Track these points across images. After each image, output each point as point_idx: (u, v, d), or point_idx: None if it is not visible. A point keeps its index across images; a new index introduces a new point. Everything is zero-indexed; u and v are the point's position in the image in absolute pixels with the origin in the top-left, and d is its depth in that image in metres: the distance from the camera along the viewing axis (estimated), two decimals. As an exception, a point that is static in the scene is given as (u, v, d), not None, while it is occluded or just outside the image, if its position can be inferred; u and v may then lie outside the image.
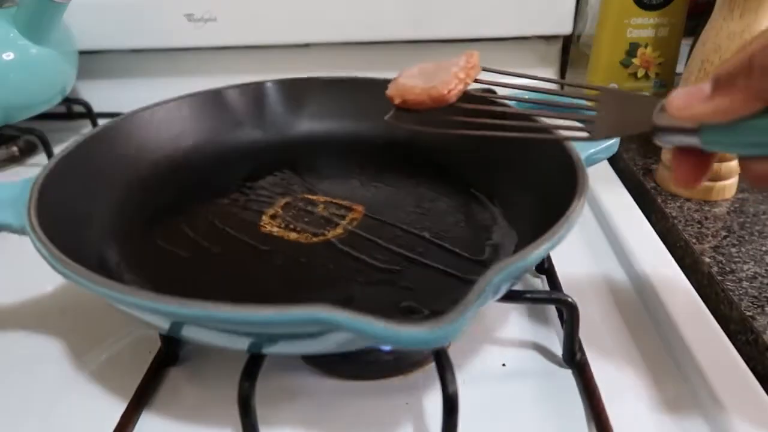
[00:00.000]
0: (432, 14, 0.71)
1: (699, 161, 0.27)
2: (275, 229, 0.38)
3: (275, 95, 0.50)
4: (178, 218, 0.39)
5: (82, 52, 0.67)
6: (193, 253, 0.36)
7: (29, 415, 0.31)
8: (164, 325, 0.26)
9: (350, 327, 0.20)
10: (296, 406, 0.31)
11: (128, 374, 0.33)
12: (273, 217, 0.40)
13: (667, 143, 0.27)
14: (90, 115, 0.69)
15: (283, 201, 0.42)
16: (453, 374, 0.26)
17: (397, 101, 0.32)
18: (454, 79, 0.31)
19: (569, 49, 0.76)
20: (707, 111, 0.23)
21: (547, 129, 0.29)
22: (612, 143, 0.39)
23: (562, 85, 0.34)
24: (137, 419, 0.30)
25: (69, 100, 0.69)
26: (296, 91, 0.50)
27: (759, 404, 0.30)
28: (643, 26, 0.63)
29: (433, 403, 0.30)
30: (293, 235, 0.38)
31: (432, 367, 0.28)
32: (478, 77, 0.33)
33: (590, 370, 0.32)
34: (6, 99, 0.57)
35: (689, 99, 0.24)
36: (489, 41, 0.74)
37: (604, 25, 0.64)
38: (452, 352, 0.28)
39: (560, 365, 0.33)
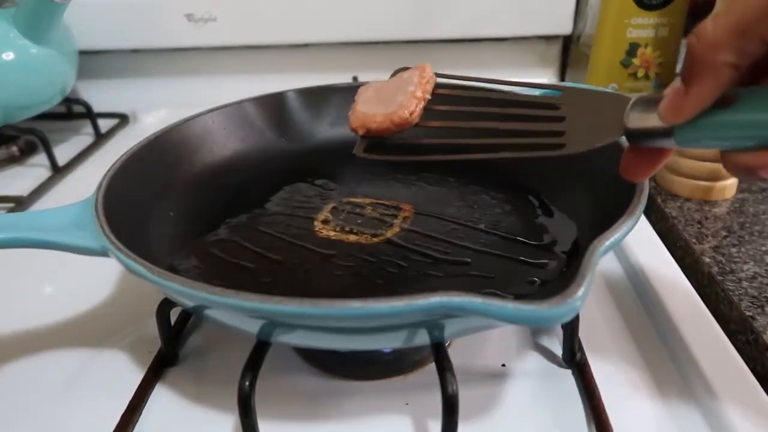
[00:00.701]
0: (432, 14, 0.71)
1: (652, 158, 0.27)
2: (332, 233, 0.38)
3: (296, 104, 0.50)
4: (228, 231, 0.39)
5: (82, 52, 0.67)
6: (258, 264, 0.36)
7: (30, 414, 0.31)
8: (291, 325, 0.26)
9: (481, 310, 0.21)
10: (296, 406, 0.31)
11: (128, 374, 0.33)
12: (325, 222, 0.39)
13: (639, 145, 0.26)
14: (90, 115, 0.69)
15: (329, 206, 0.42)
16: (453, 374, 0.26)
17: (361, 132, 0.32)
18: (413, 100, 0.31)
19: (569, 49, 0.76)
20: (692, 105, 0.23)
21: (519, 146, 0.29)
22: None
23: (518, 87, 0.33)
24: (137, 419, 0.30)
25: (69, 100, 0.69)
26: (315, 99, 0.51)
27: (759, 404, 0.30)
28: (643, 26, 0.63)
29: (433, 404, 0.30)
30: (352, 237, 0.38)
31: (432, 367, 0.28)
32: (435, 89, 0.32)
33: (590, 370, 0.32)
34: (6, 99, 0.57)
35: (676, 101, 0.23)
36: (489, 41, 0.74)
37: (604, 25, 0.64)
38: (452, 353, 0.28)
39: (560, 365, 0.33)
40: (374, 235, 0.38)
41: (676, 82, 0.24)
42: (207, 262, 0.36)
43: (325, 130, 0.50)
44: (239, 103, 0.48)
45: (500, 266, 0.35)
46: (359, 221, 0.40)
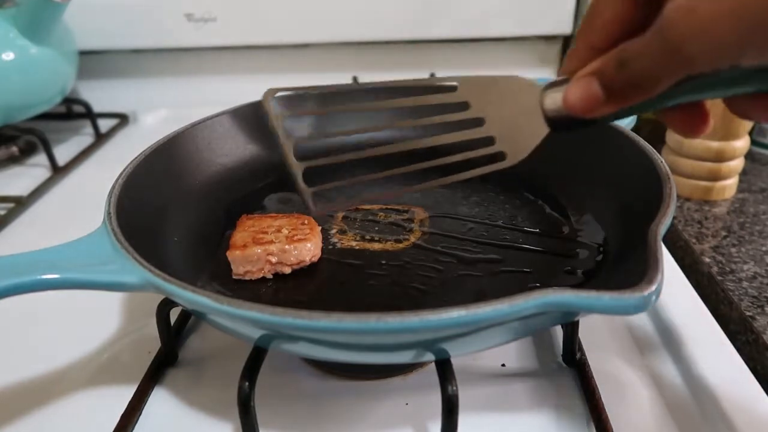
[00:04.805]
0: (432, 14, 0.71)
1: (693, 110, 0.24)
2: (354, 243, 0.37)
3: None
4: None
5: (82, 52, 0.67)
6: (287, 282, 0.34)
7: (29, 414, 0.31)
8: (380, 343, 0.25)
9: (582, 305, 0.22)
10: (296, 406, 0.31)
11: (128, 374, 0.33)
12: (342, 232, 0.39)
13: (564, 131, 0.26)
14: (90, 115, 0.69)
15: (339, 215, 0.41)
16: (453, 375, 0.26)
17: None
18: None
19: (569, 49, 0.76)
20: (612, 110, 0.23)
21: (462, 166, 0.28)
22: (630, 120, 0.40)
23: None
24: (137, 420, 0.30)
25: (69, 100, 0.69)
26: (292, 106, 0.47)
27: (759, 404, 0.30)
28: (643, 26, 0.63)
29: (433, 404, 0.30)
30: (377, 246, 0.37)
31: (432, 367, 0.28)
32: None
33: (590, 369, 0.32)
34: (6, 99, 0.57)
35: (589, 102, 0.23)
36: (489, 41, 0.74)
37: (604, 25, 0.64)
38: (452, 353, 0.28)
39: (560, 365, 0.33)
40: (398, 241, 0.38)
41: (587, 79, 0.23)
42: (231, 287, 0.34)
43: (308, 137, 0.48)
44: (219, 116, 0.46)
45: (533, 260, 0.35)
46: (377, 228, 0.39)
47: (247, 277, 0.34)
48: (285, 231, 0.35)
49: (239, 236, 0.35)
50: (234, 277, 0.34)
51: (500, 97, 0.27)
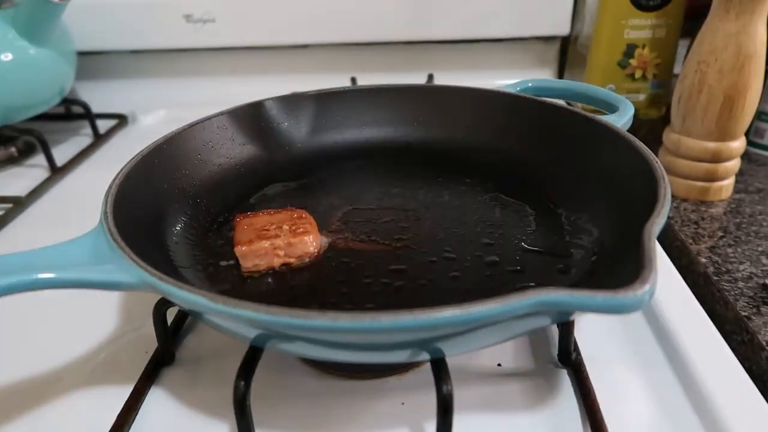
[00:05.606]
0: (432, 14, 0.71)
1: None
2: (351, 243, 0.38)
3: (274, 113, 0.48)
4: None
5: (81, 53, 0.67)
6: (286, 281, 0.35)
7: (26, 414, 0.31)
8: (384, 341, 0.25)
9: (575, 304, 0.22)
10: (292, 405, 0.31)
11: (125, 374, 0.33)
12: (339, 231, 0.39)
13: None
14: (89, 116, 0.69)
15: (336, 215, 0.41)
16: (448, 374, 0.26)
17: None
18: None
19: (567, 50, 0.76)
20: None
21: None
22: (627, 120, 0.40)
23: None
24: (133, 419, 0.30)
25: (67, 101, 0.69)
26: (293, 106, 0.49)
27: (754, 404, 0.30)
28: (641, 27, 0.63)
29: (428, 403, 0.30)
30: (373, 246, 0.37)
31: (427, 366, 0.28)
32: None
33: (585, 369, 0.32)
34: (4, 100, 0.57)
35: None
36: (488, 42, 0.75)
37: (602, 26, 0.64)
38: (447, 352, 0.28)
39: (556, 365, 0.33)
40: (395, 241, 0.38)
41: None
42: (227, 288, 0.34)
43: (306, 137, 0.49)
44: (217, 116, 0.45)
45: (527, 259, 0.35)
46: (373, 228, 0.39)
47: (254, 269, 0.35)
48: (286, 226, 0.36)
49: (243, 234, 0.36)
50: (243, 272, 0.35)
51: None
